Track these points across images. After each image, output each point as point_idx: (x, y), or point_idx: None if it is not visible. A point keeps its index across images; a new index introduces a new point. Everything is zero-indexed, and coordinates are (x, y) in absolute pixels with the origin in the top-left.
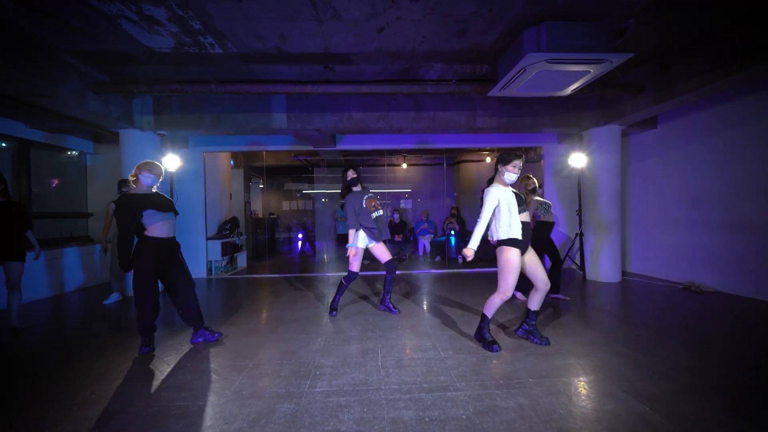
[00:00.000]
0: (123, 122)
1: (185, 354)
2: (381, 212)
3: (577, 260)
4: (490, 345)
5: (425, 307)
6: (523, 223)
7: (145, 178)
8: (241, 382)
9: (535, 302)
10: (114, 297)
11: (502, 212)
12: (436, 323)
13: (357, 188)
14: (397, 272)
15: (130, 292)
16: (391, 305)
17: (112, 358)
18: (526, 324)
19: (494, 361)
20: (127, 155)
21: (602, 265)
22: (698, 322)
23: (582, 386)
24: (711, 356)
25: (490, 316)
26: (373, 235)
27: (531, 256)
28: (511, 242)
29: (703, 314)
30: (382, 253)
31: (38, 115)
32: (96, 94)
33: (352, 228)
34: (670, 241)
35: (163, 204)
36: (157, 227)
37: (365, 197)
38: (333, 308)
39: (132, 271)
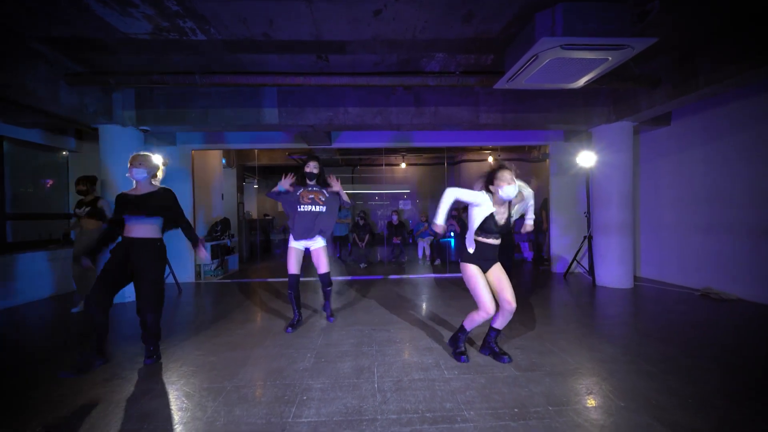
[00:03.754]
0: (101, 117)
1: (157, 374)
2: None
3: (586, 264)
4: (458, 355)
5: (426, 317)
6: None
7: (134, 173)
8: (216, 409)
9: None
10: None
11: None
12: (438, 336)
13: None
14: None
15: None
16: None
17: (69, 384)
18: (486, 342)
19: (506, 383)
20: (106, 153)
21: (613, 270)
22: (724, 334)
23: (610, 416)
24: (748, 377)
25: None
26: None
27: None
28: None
29: (728, 325)
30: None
31: (10, 108)
32: (69, 85)
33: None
34: (685, 245)
35: (144, 205)
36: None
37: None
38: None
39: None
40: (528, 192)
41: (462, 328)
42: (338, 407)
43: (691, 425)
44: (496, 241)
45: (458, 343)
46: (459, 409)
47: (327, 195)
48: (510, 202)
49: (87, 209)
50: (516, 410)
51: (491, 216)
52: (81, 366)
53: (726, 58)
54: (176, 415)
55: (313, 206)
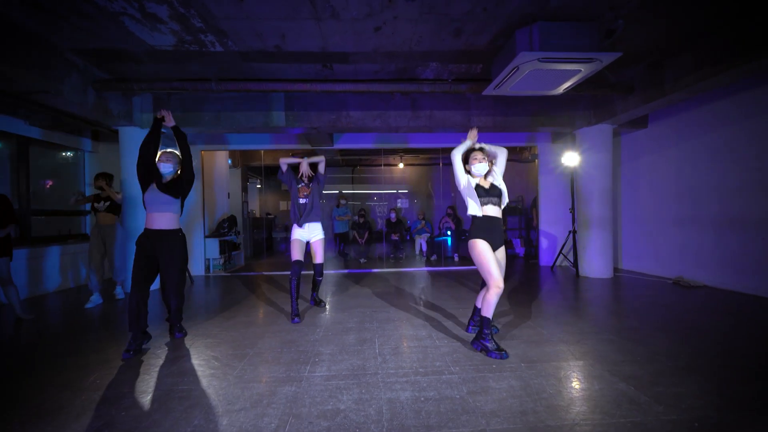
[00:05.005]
0: (123, 120)
1: (185, 345)
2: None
3: (571, 257)
4: (499, 352)
5: (422, 302)
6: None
7: (162, 167)
8: (243, 368)
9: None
10: (96, 300)
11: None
12: (432, 316)
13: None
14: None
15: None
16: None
17: (113, 350)
18: (472, 321)
19: None
20: (126, 152)
21: (595, 262)
22: (684, 313)
23: (571, 369)
24: (694, 343)
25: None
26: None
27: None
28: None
29: (689, 307)
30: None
31: (39, 112)
32: (97, 91)
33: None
34: (661, 238)
35: (170, 187)
36: (150, 216)
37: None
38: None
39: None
40: (492, 149)
41: (484, 320)
42: (345, 366)
43: (634, 374)
44: (496, 211)
45: (486, 341)
46: (446, 365)
47: (311, 188)
48: (488, 173)
49: (107, 204)
50: (494, 366)
51: (477, 185)
52: (134, 348)
53: (686, 68)
54: (209, 371)
55: (304, 199)
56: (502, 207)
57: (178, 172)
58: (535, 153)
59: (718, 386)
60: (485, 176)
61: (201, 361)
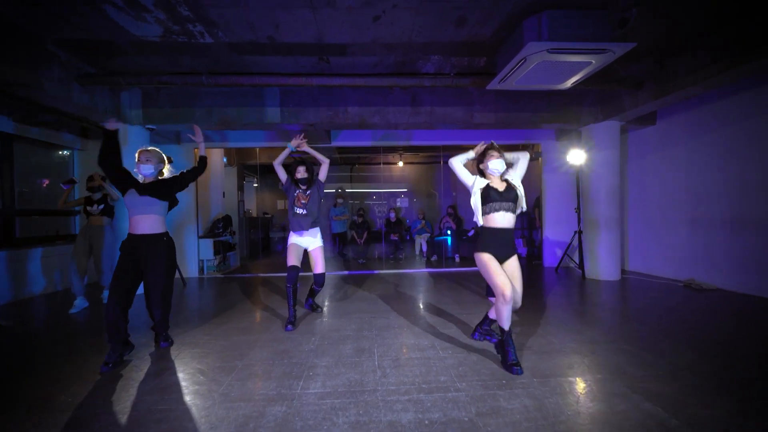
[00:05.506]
0: (110, 116)
1: (170, 356)
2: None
3: (576, 258)
4: (510, 366)
5: (422, 307)
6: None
7: (142, 169)
8: (230, 383)
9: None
10: (80, 304)
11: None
12: (434, 322)
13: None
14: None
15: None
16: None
17: (93, 360)
18: (480, 328)
19: (496, 360)
20: None
21: (602, 264)
22: (700, 319)
23: (589, 386)
24: (715, 354)
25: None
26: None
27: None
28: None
29: (704, 312)
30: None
31: (22, 107)
32: (81, 85)
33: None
34: (670, 239)
35: (152, 189)
36: (132, 220)
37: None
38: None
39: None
40: (514, 155)
41: (504, 334)
42: (342, 381)
43: (659, 392)
44: (508, 219)
45: (508, 353)
46: (452, 380)
47: (309, 195)
48: (504, 172)
49: (100, 207)
50: (504, 382)
51: (488, 187)
52: (114, 360)
53: (700, 61)
54: (193, 388)
55: (301, 209)
56: (517, 213)
57: (162, 171)
58: (538, 151)
59: (756, 406)
60: (501, 175)
61: (185, 375)
